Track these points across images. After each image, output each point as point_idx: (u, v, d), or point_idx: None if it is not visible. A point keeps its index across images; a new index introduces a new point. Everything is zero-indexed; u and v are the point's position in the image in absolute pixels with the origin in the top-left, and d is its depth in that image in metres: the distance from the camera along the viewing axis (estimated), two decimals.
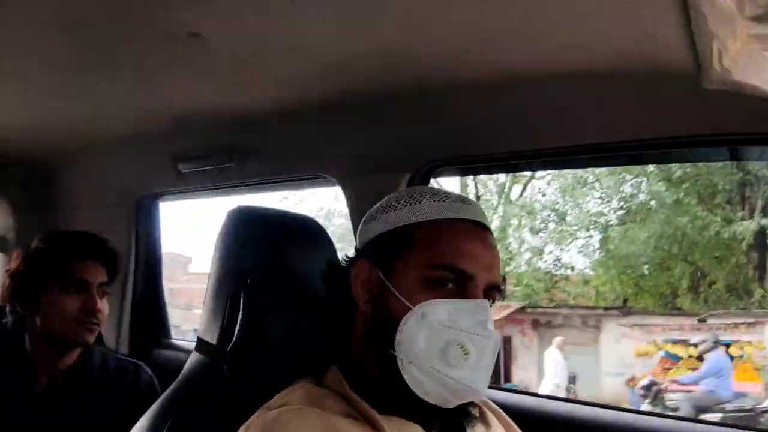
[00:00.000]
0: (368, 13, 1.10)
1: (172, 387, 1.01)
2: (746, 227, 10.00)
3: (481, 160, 1.50)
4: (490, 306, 0.89)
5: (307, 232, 1.15)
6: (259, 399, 0.91)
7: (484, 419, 0.99)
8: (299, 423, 0.82)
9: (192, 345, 2.13)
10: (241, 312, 0.99)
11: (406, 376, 0.84)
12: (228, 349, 0.99)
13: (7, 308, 1.65)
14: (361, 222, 0.99)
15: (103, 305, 1.61)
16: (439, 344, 0.83)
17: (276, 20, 1.13)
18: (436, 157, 1.50)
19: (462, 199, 0.95)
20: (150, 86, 1.50)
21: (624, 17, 1.02)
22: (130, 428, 1.53)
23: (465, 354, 0.82)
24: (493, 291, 0.91)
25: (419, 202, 0.92)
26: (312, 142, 1.63)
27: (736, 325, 9.27)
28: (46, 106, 1.70)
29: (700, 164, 10.02)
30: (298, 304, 1.04)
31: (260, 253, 1.06)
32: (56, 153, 2.03)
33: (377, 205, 0.97)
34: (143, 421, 0.96)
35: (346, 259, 0.98)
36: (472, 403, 0.91)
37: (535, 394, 1.56)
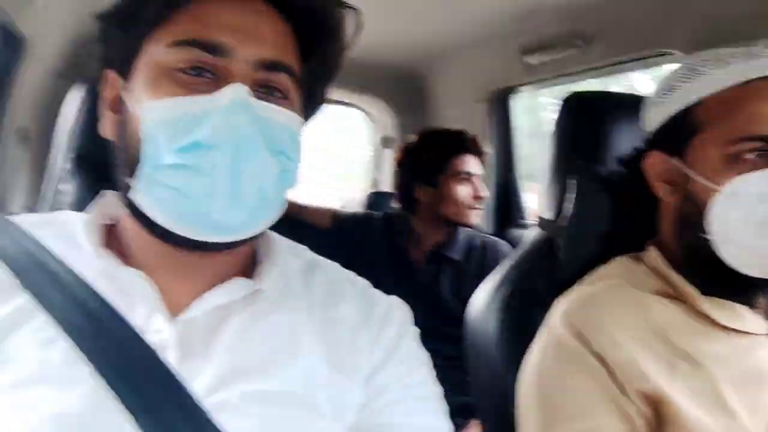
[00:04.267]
0: None
1: (512, 256, 1.16)
2: None
3: None
4: None
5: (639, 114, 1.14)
6: (583, 271, 0.99)
7: None
8: (614, 299, 0.87)
9: None
10: (575, 192, 1.07)
11: (725, 257, 0.81)
12: (560, 225, 1.09)
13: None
14: (643, 109, 0.96)
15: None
16: (756, 219, 0.78)
17: None
18: None
19: (748, 54, 0.83)
20: None
21: None
22: None
23: None
24: None
25: (701, 74, 0.84)
26: (654, 14, 1.53)
27: None
28: (411, 13, 1.94)
29: None
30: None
31: (590, 136, 1.10)
32: (422, 57, 2.30)
33: (657, 87, 0.92)
34: (487, 284, 1.13)
35: (635, 151, 0.97)
36: None
37: None
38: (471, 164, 1.88)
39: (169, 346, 0.62)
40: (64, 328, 0.59)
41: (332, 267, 0.80)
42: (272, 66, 0.65)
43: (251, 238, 0.66)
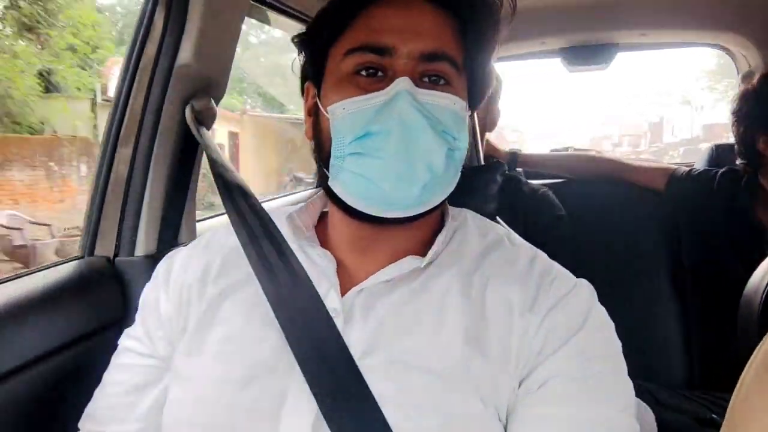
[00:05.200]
0: None
1: None
2: None
3: None
4: None
5: None
6: None
7: None
8: None
9: None
10: None
11: None
12: None
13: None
14: None
15: None
16: None
17: None
18: None
19: None
20: None
21: None
22: None
23: None
24: None
25: None
26: None
27: None
28: None
29: None
30: None
31: None
32: None
33: None
34: None
35: None
36: None
37: None
38: None
39: (338, 315, 0.75)
40: (265, 292, 0.77)
41: (514, 249, 0.82)
42: (432, 57, 0.73)
43: (428, 213, 0.76)
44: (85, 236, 1.13)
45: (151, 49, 1.10)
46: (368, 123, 0.71)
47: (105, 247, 1.13)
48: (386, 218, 0.73)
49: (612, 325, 0.76)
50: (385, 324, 0.74)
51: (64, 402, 0.92)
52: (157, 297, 0.85)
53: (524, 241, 0.85)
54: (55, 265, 1.09)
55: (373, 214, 0.73)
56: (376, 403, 0.68)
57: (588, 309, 0.74)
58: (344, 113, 0.72)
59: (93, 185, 1.13)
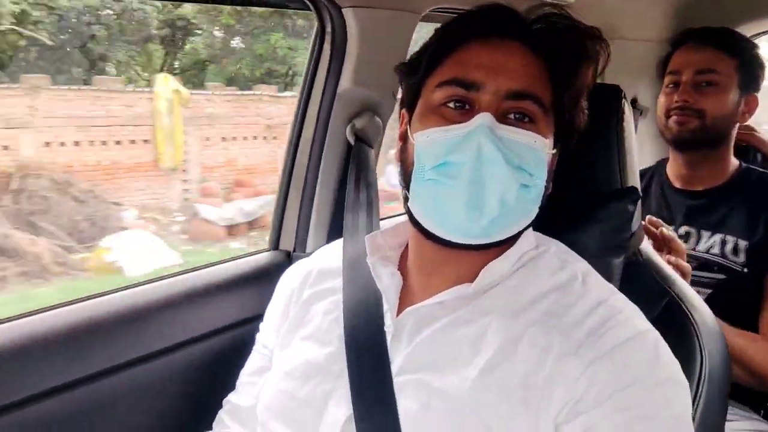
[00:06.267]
0: None
1: None
2: None
3: None
4: None
5: None
6: None
7: None
8: None
9: None
10: None
11: None
12: None
13: None
14: None
15: None
16: None
17: None
18: None
19: None
20: None
21: None
22: None
23: None
24: None
25: None
26: None
27: None
28: None
29: None
30: None
31: None
32: None
33: None
34: None
35: None
36: None
37: None
38: None
39: (389, 332, 0.83)
40: (344, 304, 0.88)
41: (580, 292, 0.79)
42: (518, 95, 0.77)
43: (497, 244, 0.79)
44: (272, 232, 1.35)
45: (321, 74, 1.24)
46: (448, 152, 0.75)
47: (287, 243, 1.34)
48: (454, 243, 0.78)
49: (684, 383, 0.72)
50: (425, 348, 0.79)
51: (229, 372, 1.16)
52: (278, 297, 1.03)
53: (602, 283, 0.82)
54: (250, 254, 1.34)
55: (442, 236, 0.78)
56: (397, 418, 0.77)
57: (647, 363, 0.71)
58: (428, 141, 0.77)
59: (279, 188, 1.34)
